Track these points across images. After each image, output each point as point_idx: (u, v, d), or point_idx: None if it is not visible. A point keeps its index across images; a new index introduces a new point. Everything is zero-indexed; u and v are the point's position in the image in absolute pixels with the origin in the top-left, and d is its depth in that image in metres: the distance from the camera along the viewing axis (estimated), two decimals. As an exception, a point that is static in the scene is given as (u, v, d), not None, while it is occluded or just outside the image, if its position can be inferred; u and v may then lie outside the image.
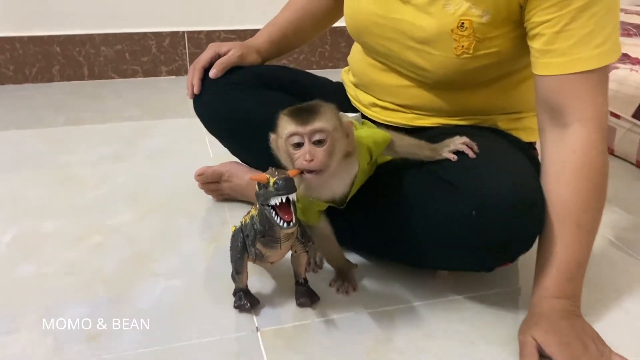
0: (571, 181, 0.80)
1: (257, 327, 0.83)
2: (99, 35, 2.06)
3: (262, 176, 0.72)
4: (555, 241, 0.80)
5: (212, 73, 1.09)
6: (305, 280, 0.89)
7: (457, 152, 0.83)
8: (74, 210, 1.17)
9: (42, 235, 1.08)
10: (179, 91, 2.00)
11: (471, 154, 0.83)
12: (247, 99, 1.07)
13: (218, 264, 0.98)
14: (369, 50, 1.03)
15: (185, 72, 2.18)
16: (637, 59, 1.51)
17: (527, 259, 0.87)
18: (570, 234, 0.80)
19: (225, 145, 1.17)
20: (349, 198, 0.84)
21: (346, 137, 0.77)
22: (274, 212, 0.72)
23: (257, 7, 2.09)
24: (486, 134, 0.94)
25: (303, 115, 0.74)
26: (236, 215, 1.14)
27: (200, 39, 2.11)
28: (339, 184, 0.81)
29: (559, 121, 0.82)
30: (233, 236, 0.85)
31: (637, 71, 1.41)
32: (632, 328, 0.84)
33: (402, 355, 0.78)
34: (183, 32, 2.12)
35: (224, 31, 2.10)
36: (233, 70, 1.10)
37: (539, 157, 0.87)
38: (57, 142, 1.54)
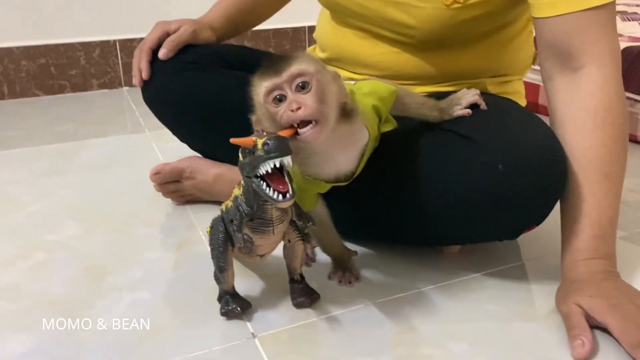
0: (595, 128, 0.72)
1: (252, 334, 0.69)
2: (18, 48, 1.85)
3: (248, 139, 0.59)
4: (583, 197, 0.71)
5: (162, 53, 0.95)
6: (302, 276, 0.75)
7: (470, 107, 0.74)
8: (8, 229, 0.98)
9: (-33, 259, 0.89)
10: (114, 105, 1.83)
11: (484, 105, 0.73)
12: (208, 79, 0.94)
13: (192, 271, 0.83)
14: (344, 14, 0.92)
15: (119, 85, 2.00)
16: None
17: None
18: (600, 187, 0.71)
19: (182, 138, 1.03)
20: (356, 174, 0.71)
21: (337, 85, 0.64)
22: (264, 184, 0.59)
23: (193, 9, 1.96)
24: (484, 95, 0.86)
25: (276, 66, 0.61)
26: (204, 217, 0.98)
27: (133, 48, 1.94)
28: (345, 156, 0.68)
29: (570, 65, 0.74)
30: (212, 227, 0.70)
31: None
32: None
33: (433, 344, 0.66)
34: (115, 41, 1.94)
35: (159, 37, 1.95)
36: (186, 49, 0.97)
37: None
38: (-22, 162, 1.33)
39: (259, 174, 0.59)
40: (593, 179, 0.71)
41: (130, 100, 1.85)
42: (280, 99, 0.61)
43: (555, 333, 0.67)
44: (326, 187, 0.71)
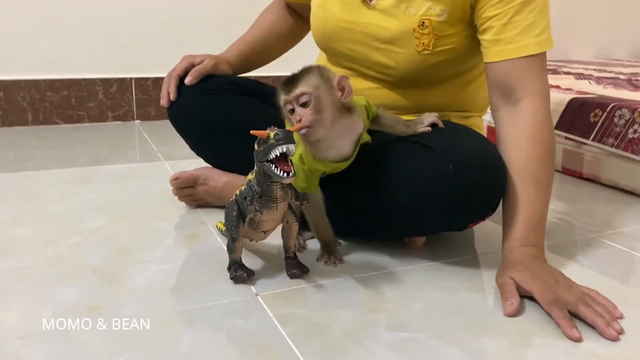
0: (528, 145, 0.93)
1: (255, 293, 0.87)
2: (45, 80, 2.07)
3: (263, 132, 0.79)
4: (518, 198, 0.92)
5: (188, 80, 1.16)
6: (295, 254, 0.94)
7: (430, 126, 0.95)
8: (46, 218, 1.16)
9: (16, 238, 1.06)
10: (128, 135, 2.03)
11: (441, 125, 0.95)
12: (225, 103, 1.15)
13: (204, 252, 1.01)
14: (337, 57, 1.15)
15: (132, 118, 2.21)
16: (566, 88, 1.74)
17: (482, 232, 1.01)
18: (531, 190, 0.92)
19: (198, 151, 1.22)
20: (352, 157, 0.93)
21: (335, 90, 0.86)
22: (273, 166, 0.79)
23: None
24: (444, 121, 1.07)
25: (289, 85, 0.85)
26: (213, 218, 1.17)
27: (147, 86, 2.18)
28: (345, 142, 0.90)
29: (510, 99, 0.96)
30: (227, 207, 0.89)
31: (554, 91, 1.62)
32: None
33: (396, 303, 0.84)
34: (131, 79, 2.17)
35: (171, 78, 2.18)
36: (207, 79, 1.18)
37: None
38: (11, 171, 1.52)
39: (269, 158, 0.79)
40: (525, 184, 0.92)
41: (142, 131, 2.06)
42: (292, 110, 0.84)
43: (493, 300, 0.86)
44: (332, 166, 0.92)
